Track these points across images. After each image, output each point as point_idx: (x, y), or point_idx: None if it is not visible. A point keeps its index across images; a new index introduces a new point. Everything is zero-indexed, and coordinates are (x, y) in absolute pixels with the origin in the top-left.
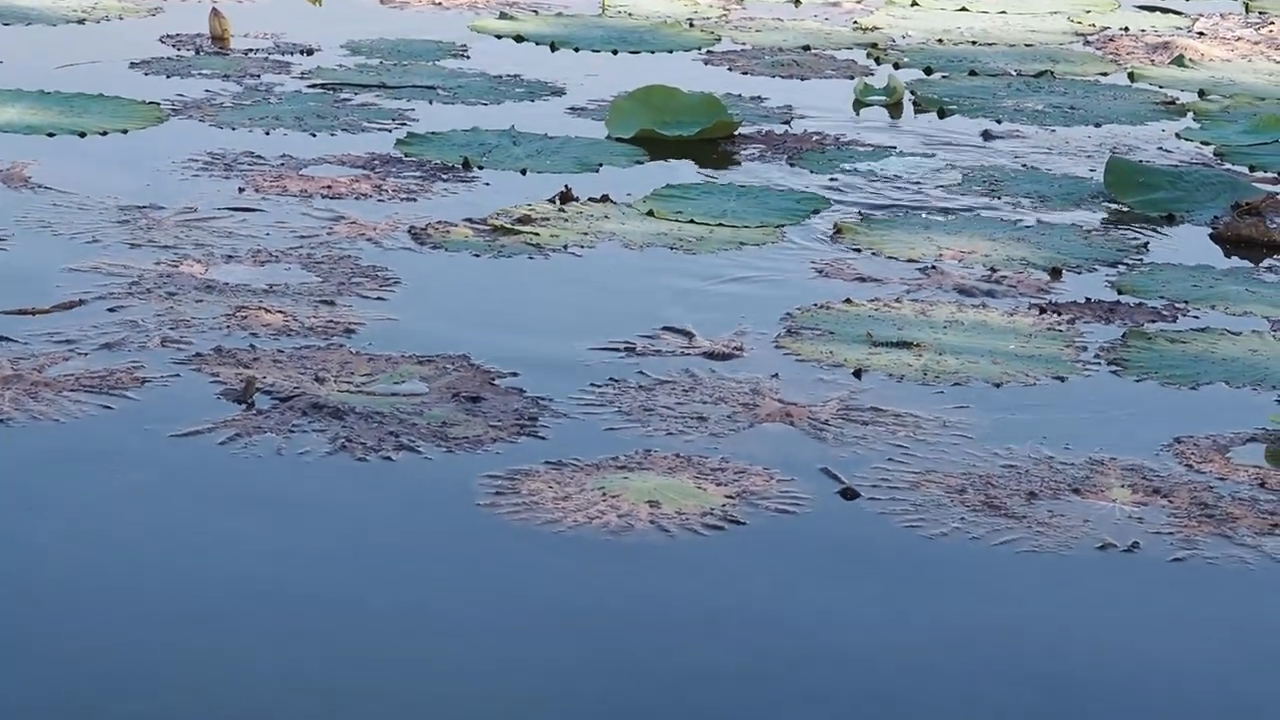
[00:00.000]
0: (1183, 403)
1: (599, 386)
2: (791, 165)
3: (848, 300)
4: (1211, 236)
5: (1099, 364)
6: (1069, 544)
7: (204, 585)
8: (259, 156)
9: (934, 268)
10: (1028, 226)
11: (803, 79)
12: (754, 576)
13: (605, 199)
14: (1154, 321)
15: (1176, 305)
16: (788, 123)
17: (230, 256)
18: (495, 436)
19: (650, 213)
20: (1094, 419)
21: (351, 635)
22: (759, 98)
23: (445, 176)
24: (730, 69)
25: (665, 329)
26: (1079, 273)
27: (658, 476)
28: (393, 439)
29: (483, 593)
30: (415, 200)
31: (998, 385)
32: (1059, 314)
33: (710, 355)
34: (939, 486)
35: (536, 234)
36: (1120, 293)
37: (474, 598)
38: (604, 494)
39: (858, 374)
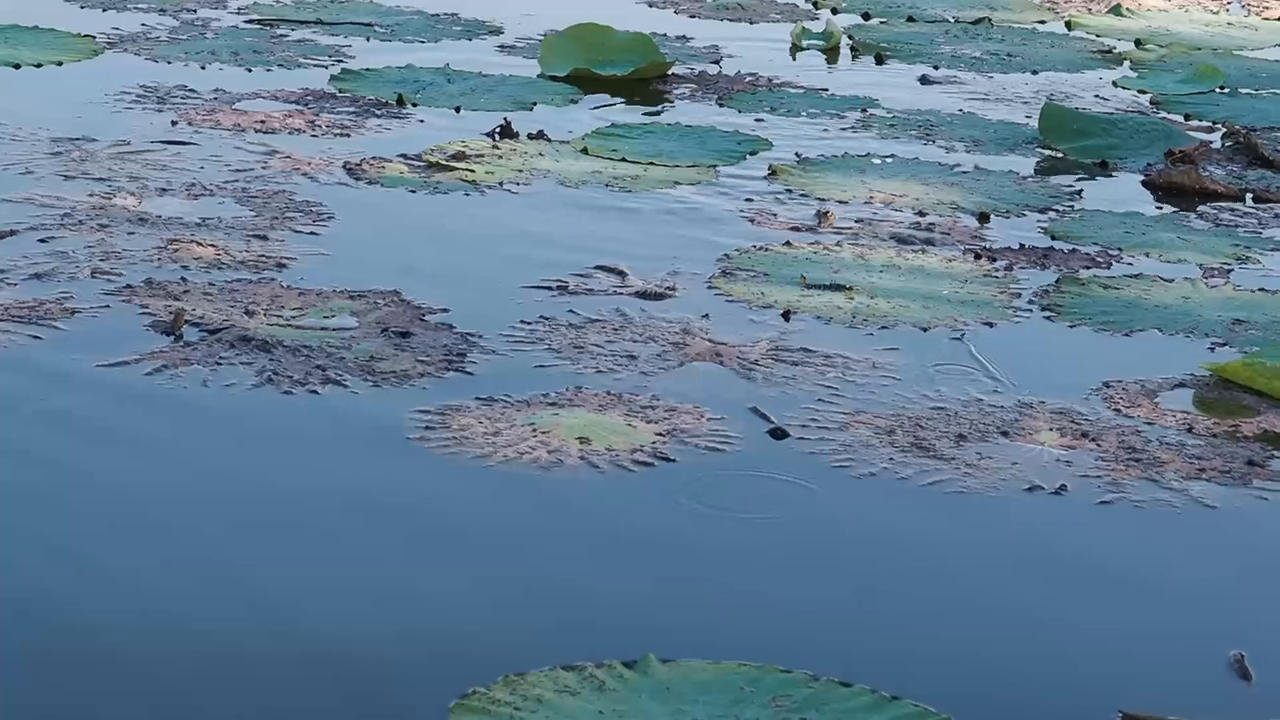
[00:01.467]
0: (1114, 348)
1: (529, 324)
2: (720, 105)
3: (787, 243)
4: (1144, 183)
5: (1032, 310)
6: (997, 486)
7: (119, 507)
8: (193, 90)
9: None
10: (963, 171)
11: (751, 22)
12: (679, 511)
13: (541, 135)
14: (1088, 268)
15: (1110, 252)
16: (717, 62)
17: (164, 190)
18: (423, 372)
19: (585, 150)
20: (1025, 363)
21: (270, 563)
22: (693, 39)
23: (379, 113)
24: (676, 11)
25: (598, 267)
26: (1007, 217)
27: (588, 413)
28: (320, 372)
29: (407, 522)
30: (349, 136)
31: (925, 329)
32: (993, 259)
33: (642, 295)
34: (868, 427)
35: (472, 171)
36: (1053, 238)
37: (397, 526)
38: (534, 430)
39: (786, 315)
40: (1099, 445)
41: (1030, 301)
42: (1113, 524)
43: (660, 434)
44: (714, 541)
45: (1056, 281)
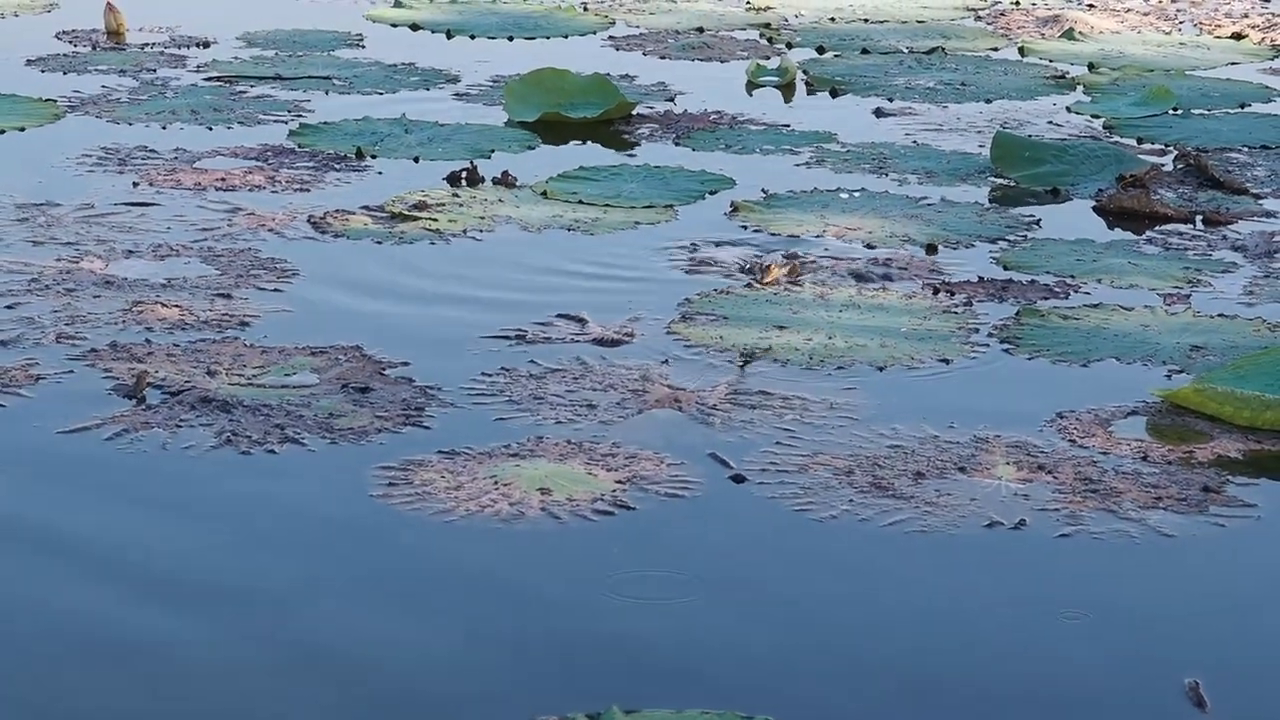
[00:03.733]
0: (1069, 379)
1: (489, 375)
2: (678, 144)
3: (749, 285)
4: (1095, 209)
5: (988, 344)
6: (956, 523)
7: (72, 578)
8: (153, 151)
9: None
10: (929, 204)
11: (722, 61)
12: (644, 560)
13: (506, 175)
14: (1046, 298)
15: (1068, 282)
16: (671, 99)
17: (131, 252)
18: (380, 427)
19: (544, 194)
20: (980, 398)
21: (241, 623)
22: (650, 79)
23: (338, 166)
24: (644, 53)
25: (559, 315)
26: (954, 248)
27: (549, 463)
28: (278, 431)
29: (373, 579)
30: (309, 190)
31: (881, 369)
32: (952, 294)
33: (600, 342)
34: (827, 469)
35: (435, 220)
36: (1005, 268)
37: (364, 584)
38: (496, 482)
39: (746, 361)
40: (1055, 477)
41: (989, 335)
42: (1072, 557)
43: (620, 481)
44: (676, 589)
45: (1016, 314)
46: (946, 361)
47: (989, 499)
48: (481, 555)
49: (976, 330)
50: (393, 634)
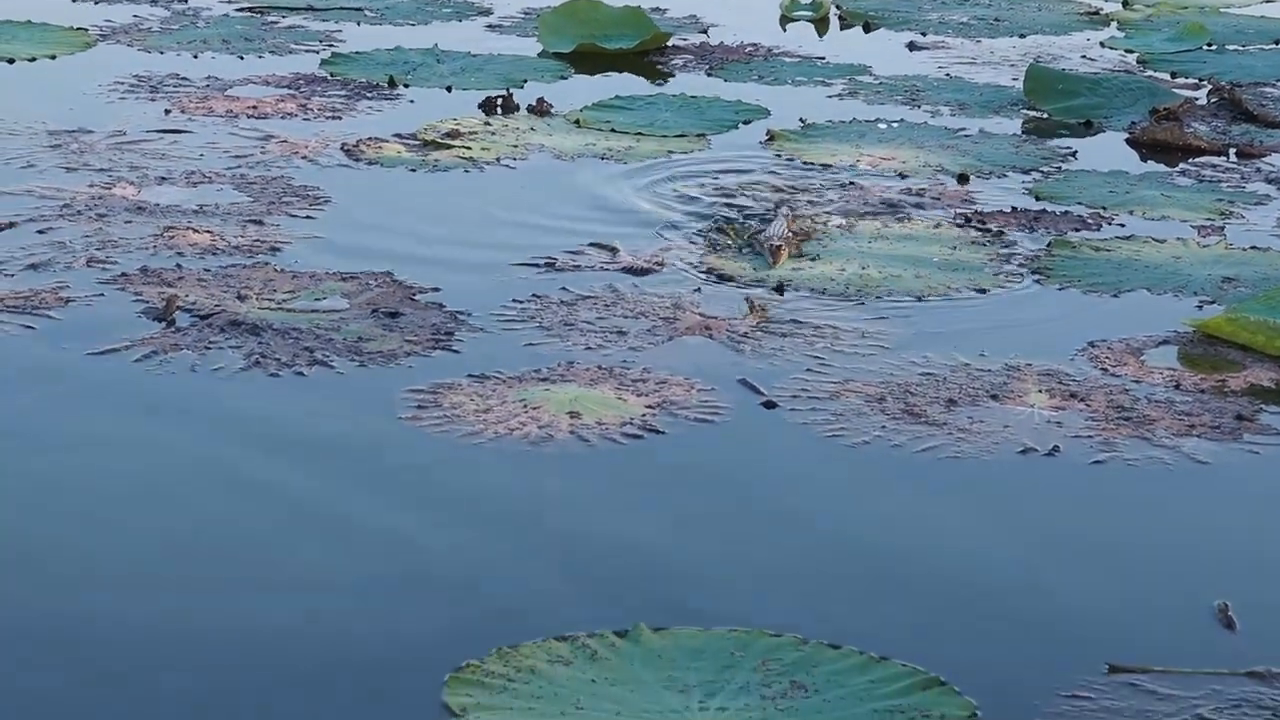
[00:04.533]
0: (1100, 309)
1: (520, 301)
2: (710, 75)
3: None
4: (1129, 142)
5: (1020, 274)
6: (990, 450)
7: (100, 493)
8: (185, 79)
9: (852, 183)
10: (966, 135)
11: None
12: (669, 483)
13: (541, 102)
14: (1077, 230)
15: (1101, 213)
16: (704, 31)
17: (164, 178)
18: (409, 351)
19: (577, 123)
20: (1012, 327)
21: (267, 540)
22: (682, 12)
23: (370, 95)
24: None
25: (591, 244)
26: (987, 178)
27: (578, 388)
28: (307, 354)
29: (398, 500)
30: (341, 119)
31: (919, 298)
32: (984, 224)
33: (630, 270)
34: (859, 395)
35: (468, 148)
36: (1037, 199)
37: (389, 504)
38: (525, 406)
39: (779, 289)
40: (1088, 405)
41: (1020, 266)
42: (1107, 483)
43: (650, 407)
44: (704, 510)
45: (1048, 245)
46: (982, 291)
47: (1022, 426)
48: (509, 476)
49: (1008, 261)
50: (417, 552)
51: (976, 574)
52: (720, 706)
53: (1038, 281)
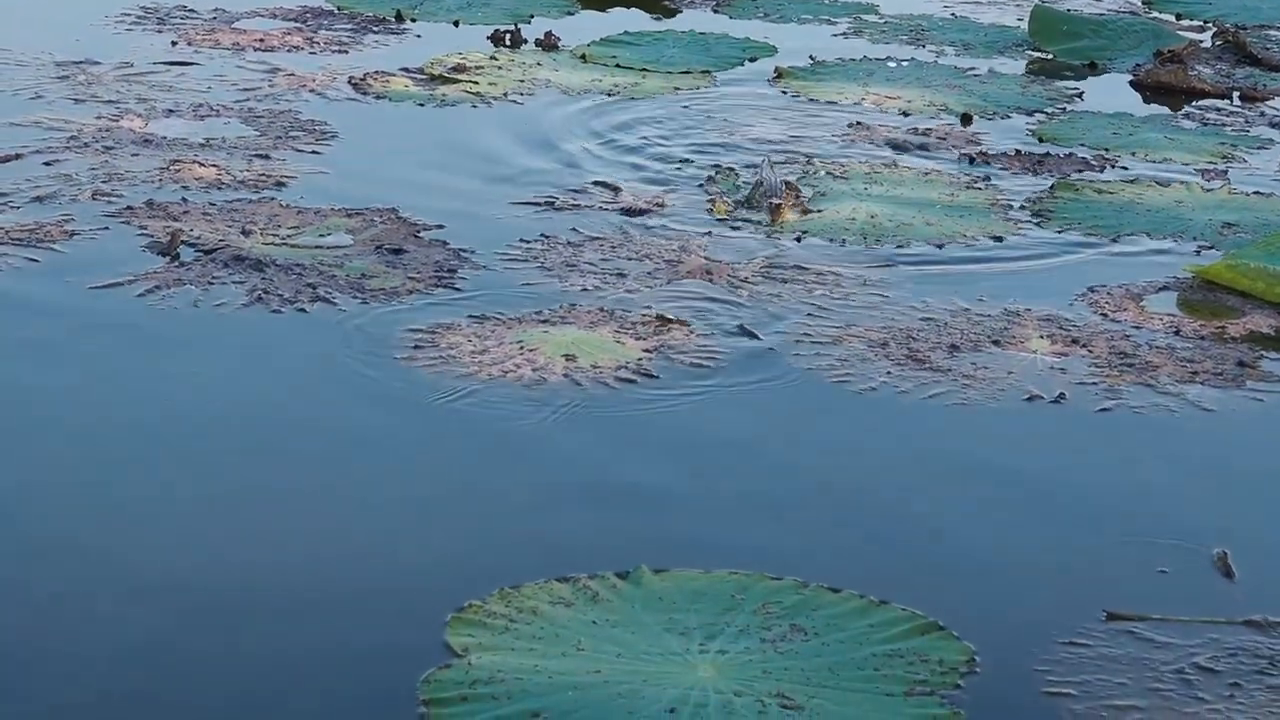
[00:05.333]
0: (1100, 253)
1: (527, 241)
2: (716, 11)
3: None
4: (1132, 84)
5: (1024, 216)
6: (996, 396)
7: (101, 428)
8: (192, 11)
9: (859, 123)
10: (974, 75)
11: None
12: (666, 425)
13: (549, 36)
14: (1081, 172)
15: (1105, 156)
16: None
17: (171, 111)
18: (412, 288)
19: (583, 58)
20: (1011, 271)
21: (260, 487)
22: None
23: (376, 29)
24: None
25: (595, 183)
26: (991, 119)
27: (578, 331)
28: (310, 290)
29: (393, 441)
30: (347, 52)
31: (940, 246)
32: (989, 164)
33: (628, 211)
34: (861, 341)
35: (476, 83)
36: (1040, 140)
37: (385, 445)
38: (522, 348)
39: (799, 238)
40: (1090, 351)
41: (1021, 207)
42: (1113, 430)
43: (648, 350)
44: (706, 454)
45: (1051, 187)
46: (999, 239)
47: (1026, 372)
48: (501, 417)
49: (1010, 207)
50: (410, 493)
51: (978, 521)
52: (720, 649)
53: (1038, 224)
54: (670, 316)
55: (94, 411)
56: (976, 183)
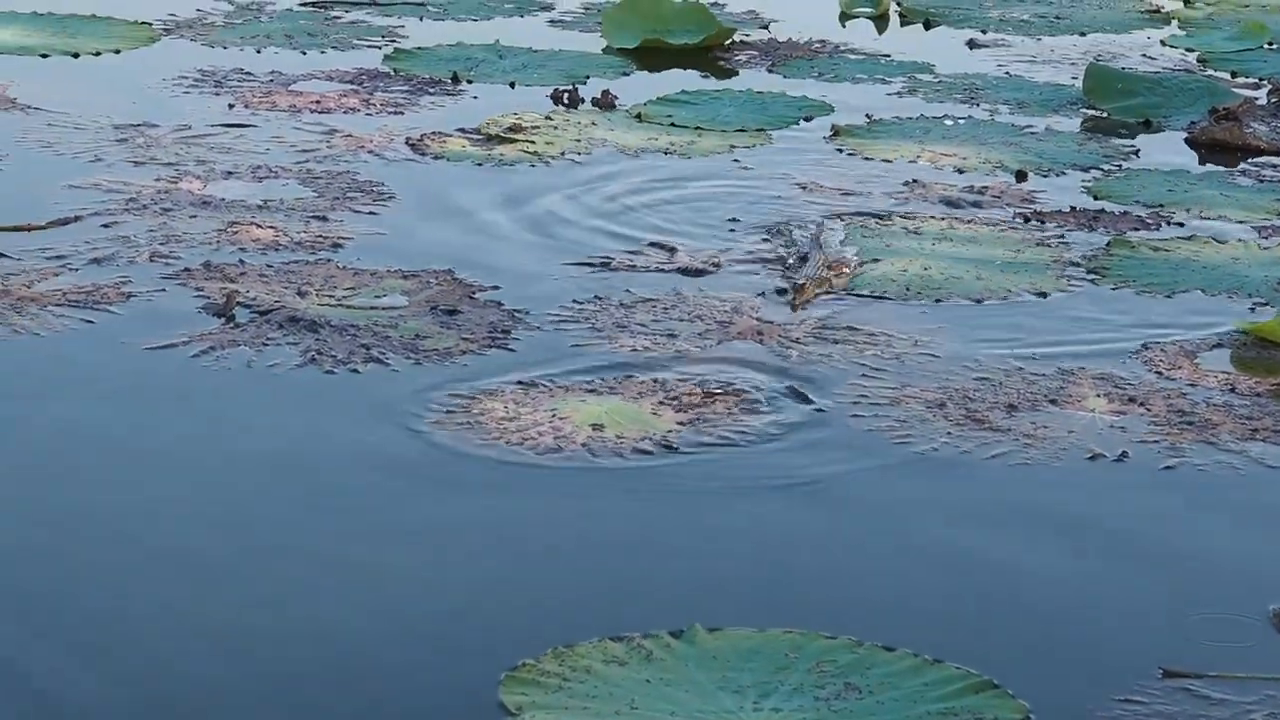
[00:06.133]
0: (1154, 310)
1: (580, 303)
2: (771, 71)
3: (838, 216)
4: (1188, 141)
5: (1080, 273)
6: (1059, 455)
7: (137, 490)
8: (249, 74)
9: (915, 180)
10: (1030, 132)
11: None
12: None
13: (606, 95)
14: (1137, 229)
15: (1160, 213)
16: (765, 27)
17: (230, 173)
18: (465, 349)
19: (639, 117)
20: (1065, 329)
21: (304, 549)
22: (741, 6)
23: (432, 90)
24: None
25: (651, 243)
26: (1046, 176)
27: (619, 400)
28: (364, 351)
29: (437, 505)
30: (403, 114)
31: (979, 301)
32: (1042, 223)
33: (685, 271)
34: (918, 401)
35: (532, 142)
36: (1096, 197)
37: (432, 510)
38: (554, 416)
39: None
40: (1148, 409)
41: (1075, 264)
42: (1178, 488)
43: (683, 423)
44: (766, 517)
45: (1107, 244)
46: (1043, 295)
47: (1086, 431)
48: (496, 488)
49: (1075, 264)
50: (464, 558)
51: (1038, 578)
52: (774, 707)
53: (1093, 281)
54: (715, 390)
55: (144, 469)
56: (1048, 240)
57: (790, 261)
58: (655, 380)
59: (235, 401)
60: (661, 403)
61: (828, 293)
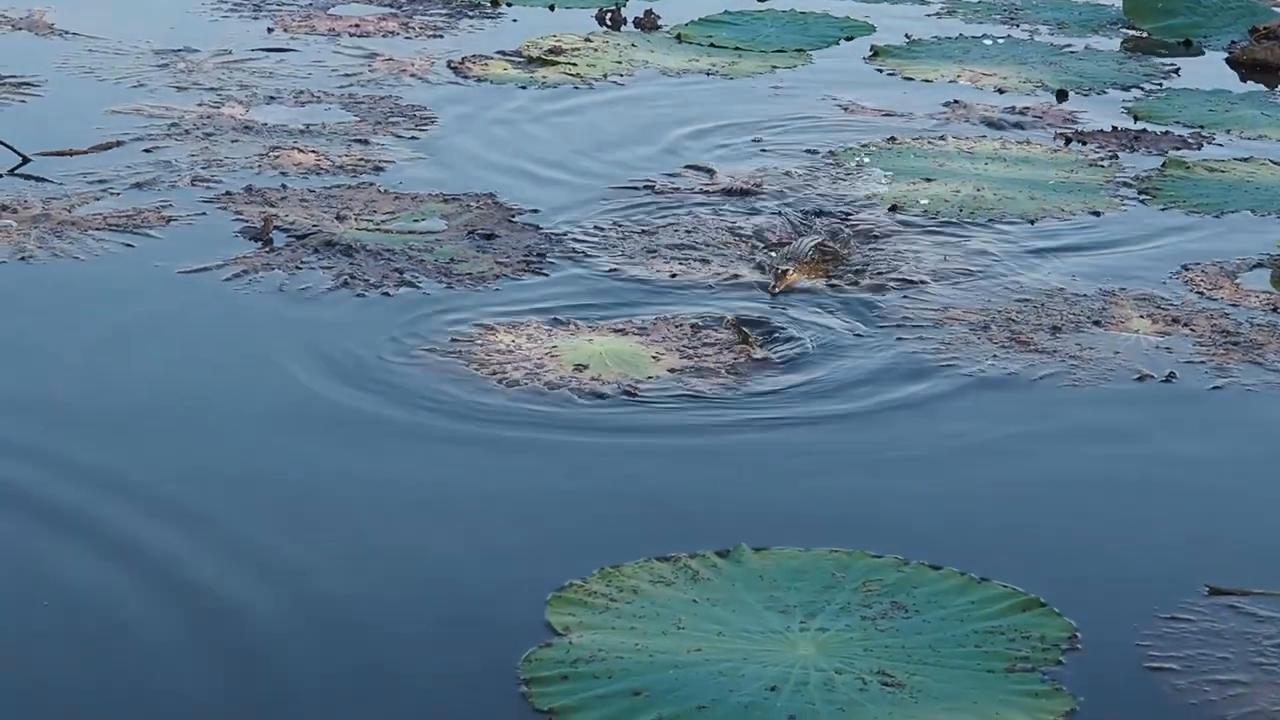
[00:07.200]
0: (1197, 231)
1: (616, 225)
2: None
3: (891, 139)
4: (1228, 61)
5: (1131, 194)
6: (1106, 376)
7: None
8: None
9: (956, 101)
10: (1070, 52)
11: None
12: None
13: (649, 14)
14: (1178, 149)
15: (1202, 133)
16: None
17: (272, 97)
18: (499, 273)
19: (679, 38)
20: (1110, 249)
21: (349, 476)
22: None
23: (471, 14)
24: None
25: (688, 166)
26: (1086, 95)
27: (623, 340)
28: (396, 275)
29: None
30: (442, 37)
31: (1033, 221)
32: (1084, 143)
33: (729, 192)
34: (961, 323)
35: (574, 64)
36: (1136, 118)
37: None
38: (550, 353)
39: (893, 209)
40: (1193, 330)
41: (1126, 184)
42: (1226, 408)
43: (674, 369)
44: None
45: (1161, 165)
46: (1097, 214)
47: (1132, 352)
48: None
49: (1126, 185)
50: (507, 485)
51: (1085, 498)
52: (821, 627)
53: (1142, 202)
54: (748, 334)
55: (161, 394)
56: (1101, 161)
57: (779, 240)
58: (671, 317)
59: (243, 326)
60: (674, 342)
61: (817, 276)
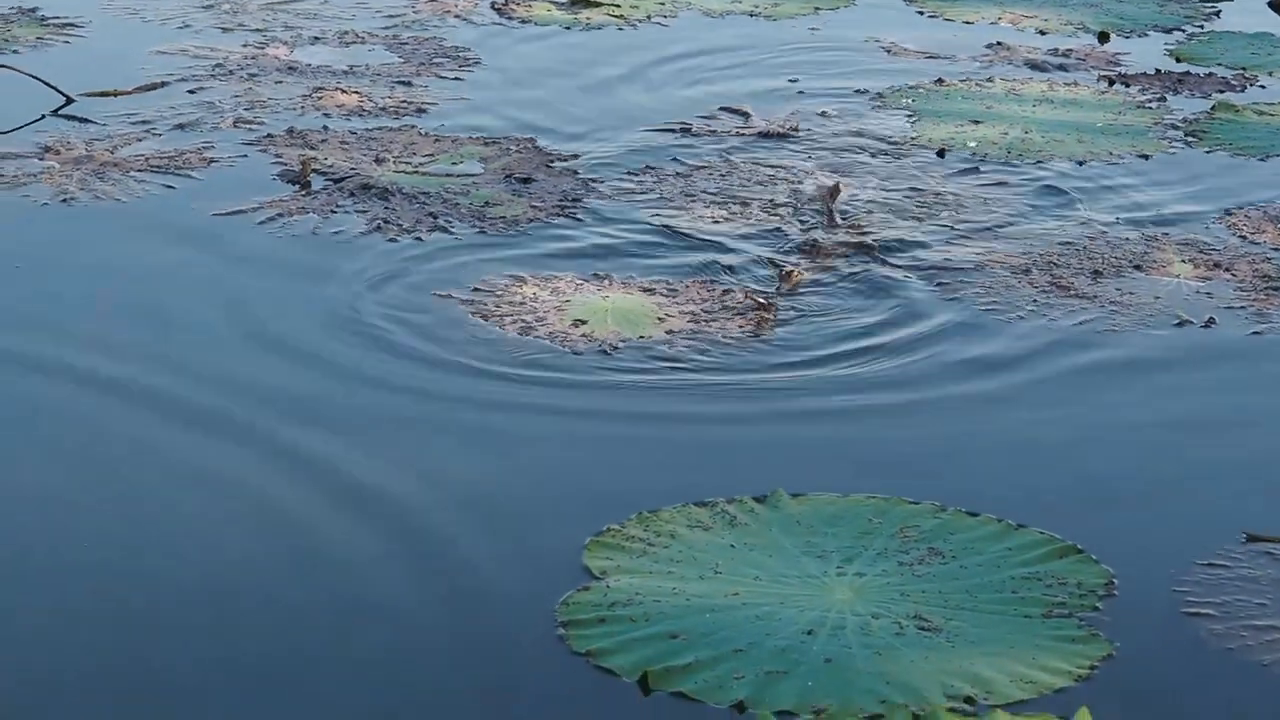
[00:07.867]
0: (1241, 174)
1: (655, 168)
2: None
3: (939, 80)
4: (1270, 4)
5: (1178, 136)
6: (1145, 322)
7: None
8: None
9: (999, 43)
10: None
11: None
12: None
13: None
14: (1222, 91)
15: (1245, 75)
16: None
17: (316, 38)
18: (533, 217)
19: None
20: (1151, 192)
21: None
22: None
23: None
24: None
25: (722, 108)
26: (1128, 37)
27: (633, 297)
28: (430, 220)
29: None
30: None
31: (1081, 163)
32: (1128, 85)
33: (766, 135)
34: (1003, 267)
35: (618, 5)
36: (1178, 60)
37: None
38: (558, 307)
39: (941, 153)
40: (1234, 275)
41: (1174, 127)
42: (1263, 354)
43: (671, 331)
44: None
45: (1210, 108)
46: (1145, 157)
47: (1172, 297)
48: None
49: (1174, 128)
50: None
51: (1122, 444)
52: (858, 572)
53: (1188, 144)
54: (762, 301)
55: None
56: (1149, 103)
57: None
58: (708, 283)
59: (259, 272)
60: (696, 305)
61: (830, 268)
